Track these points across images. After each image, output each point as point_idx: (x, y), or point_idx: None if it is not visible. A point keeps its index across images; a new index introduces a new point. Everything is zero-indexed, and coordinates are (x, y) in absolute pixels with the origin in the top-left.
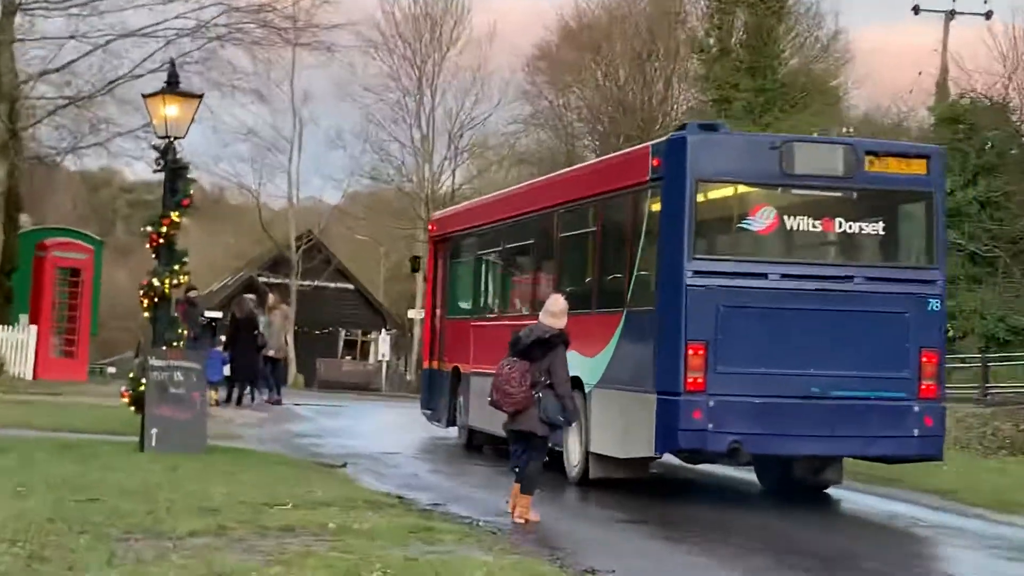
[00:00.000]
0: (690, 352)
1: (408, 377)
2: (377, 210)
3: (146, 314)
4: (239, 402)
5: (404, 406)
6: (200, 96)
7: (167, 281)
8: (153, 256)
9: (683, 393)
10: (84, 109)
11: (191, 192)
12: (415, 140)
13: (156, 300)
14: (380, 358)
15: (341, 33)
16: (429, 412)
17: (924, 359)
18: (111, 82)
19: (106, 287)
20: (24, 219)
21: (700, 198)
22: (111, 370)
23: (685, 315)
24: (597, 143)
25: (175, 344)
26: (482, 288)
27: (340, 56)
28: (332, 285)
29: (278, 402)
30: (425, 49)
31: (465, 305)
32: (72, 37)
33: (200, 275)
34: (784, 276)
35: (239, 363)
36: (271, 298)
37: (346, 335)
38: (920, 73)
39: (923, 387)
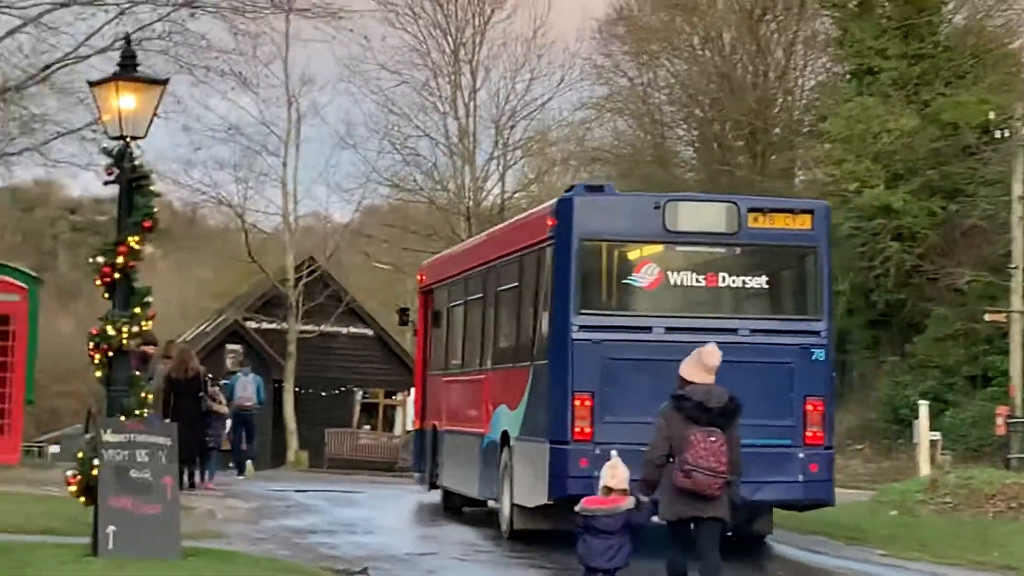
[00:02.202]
0: (577, 403)
1: None
2: (402, 229)
3: (98, 373)
4: (190, 485)
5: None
6: (164, 82)
7: (124, 329)
8: (105, 296)
9: (571, 442)
10: (12, 103)
11: (155, 210)
12: (451, 135)
13: (110, 355)
14: (409, 427)
15: None
16: (416, 476)
17: (809, 407)
18: (47, 67)
19: (45, 339)
20: None
21: (585, 256)
22: (53, 449)
23: (572, 367)
24: (695, 133)
25: (137, 412)
26: (448, 342)
27: (349, 25)
28: (344, 330)
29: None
30: (462, 12)
31: (437, 360)
32: None
33: (169, 321)
34: (668, 329)
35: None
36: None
37: (363, 397)
38: None
39: (808, 434)
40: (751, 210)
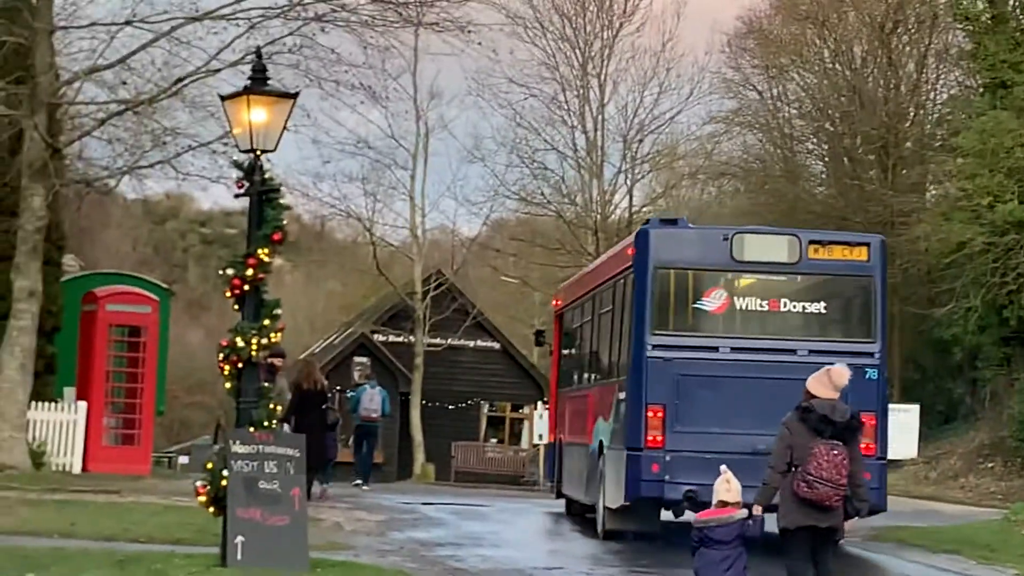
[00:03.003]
0: (650, 414)
1: None
2: (529, 243)
3: (227, 385)
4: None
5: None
6: (295, 96)
7: (253, 341)
8: (235, 308)
9: (644, 449)
10: (144, 117)
11: (284, 223)
12: (579, 148)
13: (240, 366)
14: (536, 440)
15: (479, 8)
16: (548, 485)
17: (865, 422)
18: (178, 80)
19: (175, 350)
20: (69, 262)
21: (660, 282)
22: (183, 460)
23: (646, 382)
24: (825, 147)
25: (266, 424)
26: (569, 362)
27: (478, 39)
28: (471, 344)
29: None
30: (591, 26)
31: (563, 378)
32: (128, 23)
33: (297, 333)
34: (733, 349)
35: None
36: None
37: (490, 410)
38: None
39: (862, 446)
40: (811, 242)
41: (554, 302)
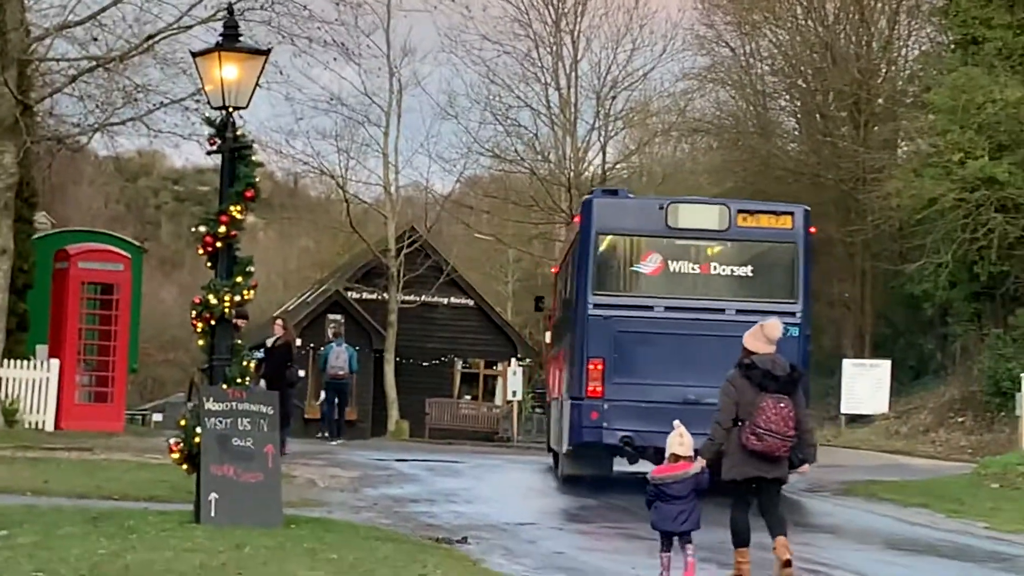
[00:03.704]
0: (591, 367)
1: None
2: (503, 200)
3: (200, 342)
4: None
5: (543, 461)
6: (267, 52)
7: (226, 298)
8: (208, 265)
9: (585, 398)
10: (116, 73)
11: (256, 180)
12: (552, 105)
13: (213, 323)
14: (510, 397)
15: None
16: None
17: None
18: (150, 37)
19: (148, 308)
20: (41, 219)
21: (601, 247)
22: (156, 417)
23: (587, 338)
24: (797, 103)
25: (240, 381)
26: (555, 323)
27: None
28: (445, 301)
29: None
30: None
31: (552, 339)
32: None
33: (271, 290)
34: (667, 308)
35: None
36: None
37: (464, 367)
38: None
39: None
40: (740, 211)
41: (553, 268)
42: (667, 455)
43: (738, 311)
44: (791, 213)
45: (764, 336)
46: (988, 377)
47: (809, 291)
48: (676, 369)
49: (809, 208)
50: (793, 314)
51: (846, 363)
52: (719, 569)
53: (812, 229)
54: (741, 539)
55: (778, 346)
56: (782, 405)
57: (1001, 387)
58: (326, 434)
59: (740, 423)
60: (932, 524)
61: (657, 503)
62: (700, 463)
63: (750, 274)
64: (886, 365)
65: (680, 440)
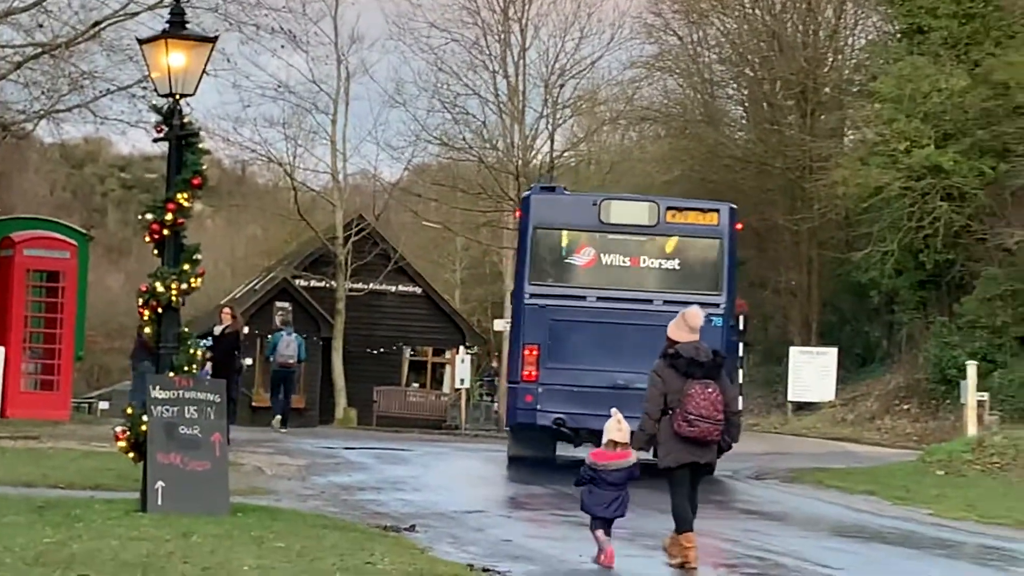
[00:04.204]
0: (526, 353)
1: (496, 409)
2: (451, 188)
3: (147, 330)
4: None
5: (491, 449)
6: (214, 40)
7: (174, 286)
8: (155, 253)
9: (521, 382)
10: (61, 60)
11: (204, 168)
12: (500, 93)
13: (160, 311)
14: (458, 385)
15: None
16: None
17: None
18: (96, 23)
19: (95, 295)
20: None
21: (538, 240)
22: (103, 405)
23: (524, 325)
24: (744, 92)
25: (187, 369)
26: None
27: None
28: (393, 289)
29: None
30: None
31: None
32: None
33: (218, 278)
34: (599, 298)
35: None
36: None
37: (412, 355)
38: None
39: None
40: (669, 208)
41: None
42: (604, 441)
43: (665, 302)
44: (717, 210)
45: (686, 325)
46: (933, 365)
47: (734, 284)
48: (606, 356)
49: (735, 206)
50: (717, 305)
51: (793, 351)
52: (646, 551)
53: (738, 225)
54: (685, 524)
55: (703, 335)
56: (710, 390)
57: (946, 375)
58: (278, 421)
59: (670, 412)
60: (878, 511)
61: (592, 487)
62: (636, 455)
63: (677, 267)
64: (833, 353)
65: (618, 427)
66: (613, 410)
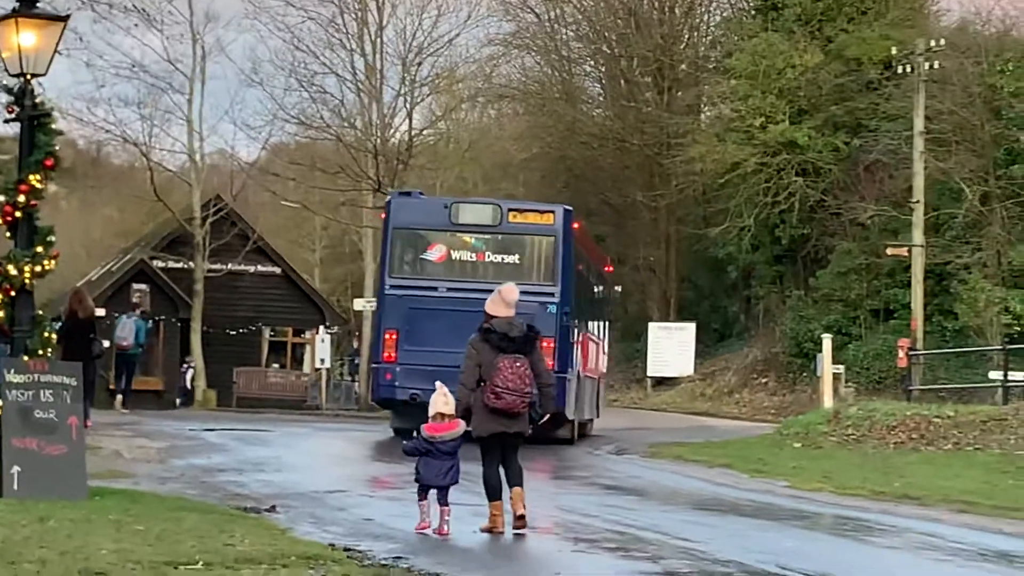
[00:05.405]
0: (387, 336)
1: (357, 389)
2: (309, 167)
3: (1, 313)
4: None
5: (353, 428)
6: (65, 18)
7: (27, 268)
8: (8, 236)
9: (382, 363)
10: None
11: (56, 149)
12: (358, 72)
13: (13, 295)
14: (318, 365)
15: None
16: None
17: (543, 344)
18: None
19: None
20: None
21: (397, 238)
22: None
23: (384, 313)
24: (602, 69)
25: (41, 353)
26: None
27: None
28: (251, 269)
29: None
30: None
31: None
32: None
33: (74, 259)
34: (449, 289)
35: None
36: None
37: (272, 335)
38: None
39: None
40: (510, 209)
41: None
42: (431, 414)
43: None
44: (553, 211)
45: (503, 300)
46: (790, 338)
47: (569, 275)
48: (456, 339)
49: (571, 208)
50: (552, 295)
51: (652, 326)
52: (472, 518)
53: (575, 224)
54: (494, 493)
55: (540, 320)
56: (518, 364)
57: (803, 348)
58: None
59: (483, 383)
60: (736, 484)
61: (427, 458)
62: (463, 425)
63: (518, 261)
64: (691, 328)
65: (445, 400)
66: (437, 383)
